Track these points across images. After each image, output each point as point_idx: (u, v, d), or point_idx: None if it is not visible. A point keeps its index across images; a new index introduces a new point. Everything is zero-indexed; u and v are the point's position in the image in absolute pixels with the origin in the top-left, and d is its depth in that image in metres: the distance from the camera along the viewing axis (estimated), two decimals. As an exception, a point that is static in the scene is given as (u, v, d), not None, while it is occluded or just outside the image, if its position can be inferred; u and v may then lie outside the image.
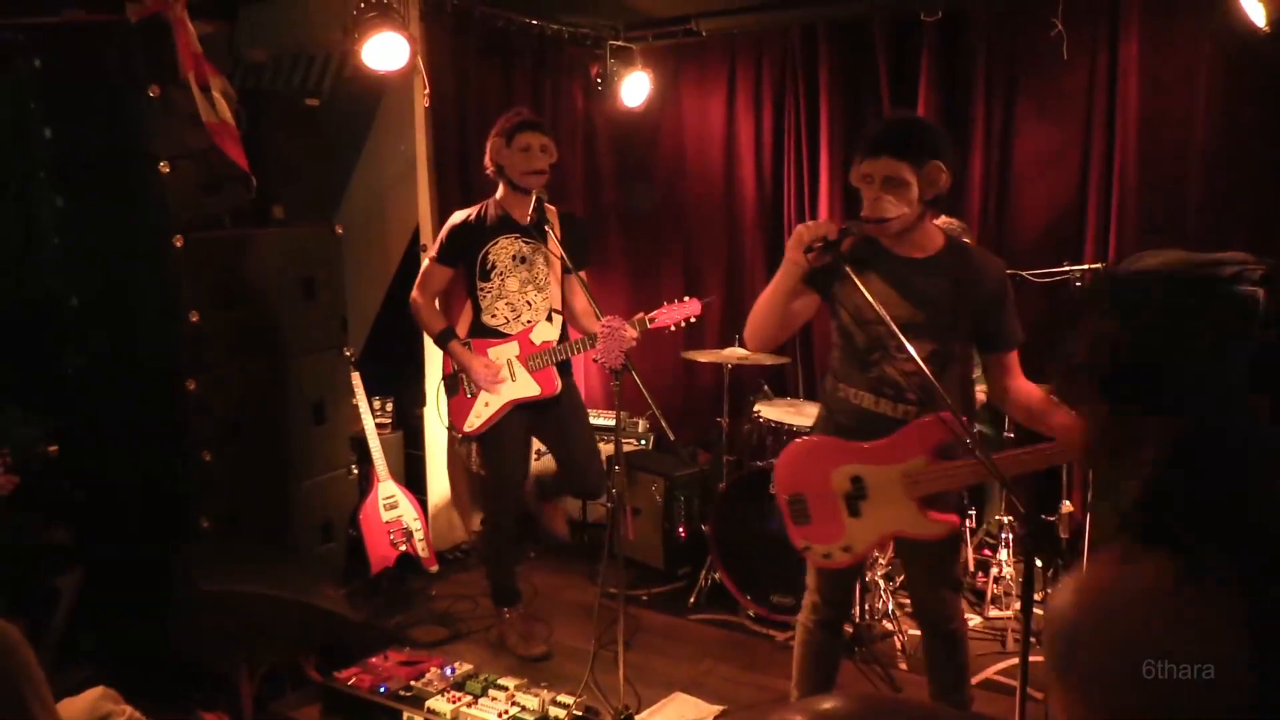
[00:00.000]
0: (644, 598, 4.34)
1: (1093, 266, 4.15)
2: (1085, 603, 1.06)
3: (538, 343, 3.80)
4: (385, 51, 3.79)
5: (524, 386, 3.80)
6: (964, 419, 2.46)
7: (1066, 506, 3.86)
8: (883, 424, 2.63)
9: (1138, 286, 1.12)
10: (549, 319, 3.83)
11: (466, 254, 3.78)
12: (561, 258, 3.68)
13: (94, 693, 2.43)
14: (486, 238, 3.74)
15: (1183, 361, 1.06)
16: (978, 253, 2.72)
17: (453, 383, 3.88)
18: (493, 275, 3.78)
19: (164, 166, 3.25)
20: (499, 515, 3.98)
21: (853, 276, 2.49)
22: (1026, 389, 2.63)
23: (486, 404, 3.81)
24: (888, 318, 2.43)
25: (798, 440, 2.82)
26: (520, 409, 3.84)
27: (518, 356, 3.81)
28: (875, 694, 3.23)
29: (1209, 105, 4.13)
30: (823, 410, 2.83)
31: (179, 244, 3.27)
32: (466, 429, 3.86)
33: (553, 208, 3.82)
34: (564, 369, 3.88)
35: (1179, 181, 4.20)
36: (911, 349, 2.39)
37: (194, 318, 3.33)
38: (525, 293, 3.78)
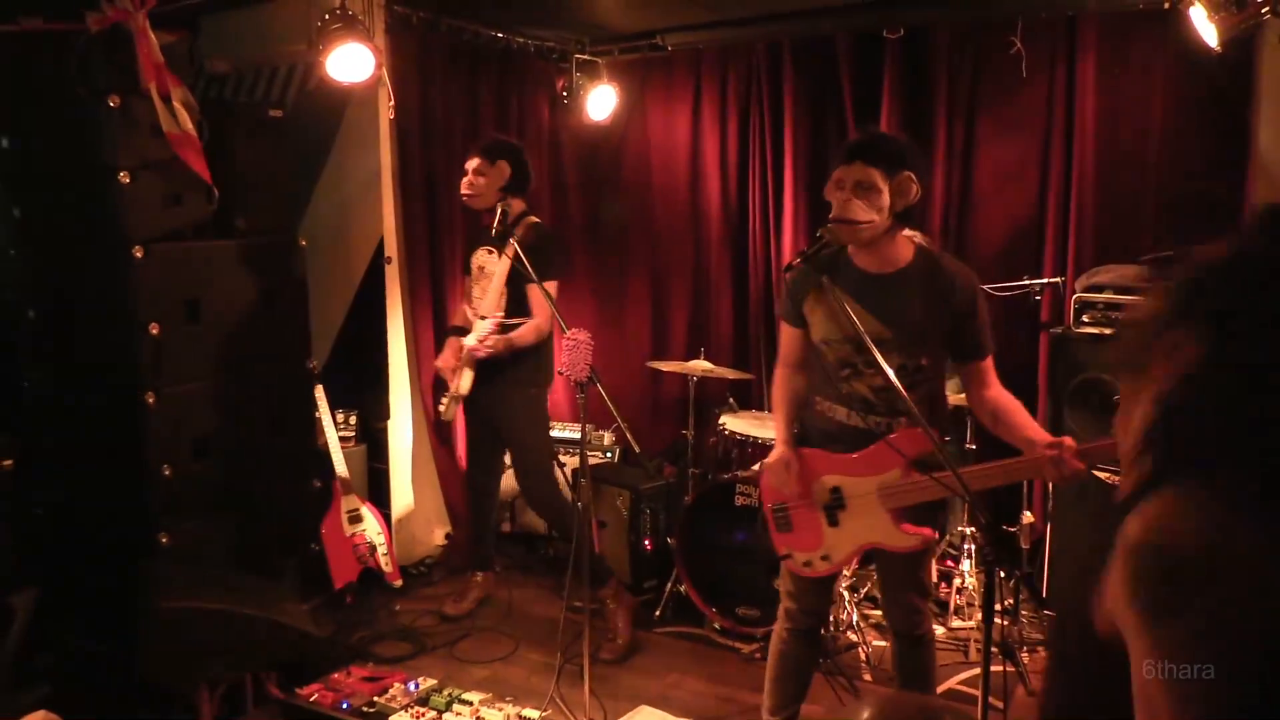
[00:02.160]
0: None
1: (1052, 281, 4.22)
2: (1186, 539, 0.93)
3: (469, 345, 4.01)
4: (350, 63, 3.78)
5: (464, 383, 4.06)
6: (934, 432, 2.49)
7: (1027, 517, 3.91)
8: (857, 436, 2.69)
9: None
10: (502, 329, 4.00)
11: (465, 261, 4.29)
12: (520, 267, 3.74)
13: (35, 717, 2.39)
14: (470, 248, 4.25)
15: None
16: (949, 263, 2.69)
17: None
18: (469, 281, 4.23)
19: (124, 177, 3.21)
20: (468, 481, 4.53)
21: (830, 288, 2.54)
22: (1003, 399, 2.65)
23: (445, 396, 4.15)
24: (862, 330, 2.46)
25: None
26: (471, 405, 4.19)
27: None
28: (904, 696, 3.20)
29: (1164, 122, 4.21)
30: (803, 423, 2.88)
31: (139, 255, 3.23)
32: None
33: (531, 220, 4.10)
34: (489, 371, 4.00)
35: (1135, 197, 4.28)
36: (882, 361, 2.42)
37: (154, 330, 3.28)
38: (483, 299, 4.05)
